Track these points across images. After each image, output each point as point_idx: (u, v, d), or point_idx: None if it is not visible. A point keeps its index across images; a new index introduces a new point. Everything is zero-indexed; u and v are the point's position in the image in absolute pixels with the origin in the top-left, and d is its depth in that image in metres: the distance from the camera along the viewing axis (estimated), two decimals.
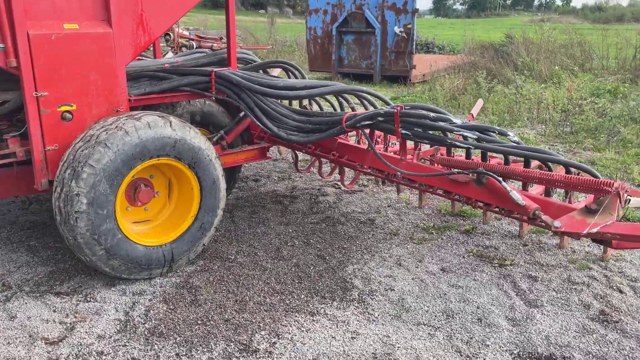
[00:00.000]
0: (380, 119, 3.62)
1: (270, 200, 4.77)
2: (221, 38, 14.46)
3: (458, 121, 3.45)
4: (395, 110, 3.51)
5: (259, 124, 3.79)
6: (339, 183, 5.20)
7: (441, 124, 3.41)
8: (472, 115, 4.72)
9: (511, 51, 12.68)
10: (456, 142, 3.39)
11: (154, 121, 3.14)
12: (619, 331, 2.84)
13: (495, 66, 11.32)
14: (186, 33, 14.01)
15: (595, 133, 7.03)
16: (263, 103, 3.79)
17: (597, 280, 3.37)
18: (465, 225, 4.21)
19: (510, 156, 3.33)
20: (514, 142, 3.38)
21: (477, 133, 3.35)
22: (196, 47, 13.65)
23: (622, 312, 3.02)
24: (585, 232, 2.72)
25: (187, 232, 3.43)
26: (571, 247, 3.81)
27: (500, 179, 3.12)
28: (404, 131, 3.53)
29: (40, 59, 3.02)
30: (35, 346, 2.68)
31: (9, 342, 2.71)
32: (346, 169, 4.45)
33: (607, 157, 6.01)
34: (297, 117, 3.91)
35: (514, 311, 3.02)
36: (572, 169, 3.14)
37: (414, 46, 12.83)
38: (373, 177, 5.39)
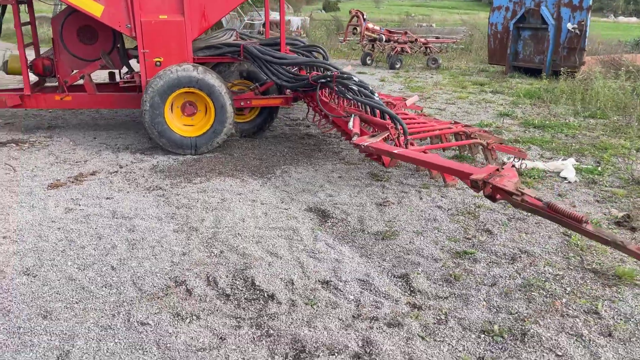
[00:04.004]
0: (328, 79, 5.68)
1: (297, 137, 7.10)
2: (406, 32, 16.67)
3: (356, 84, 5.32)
4: (333, 74, 5.55)
5: (264, 75, 6.23)
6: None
7: (347, 82, 5.34)
8: (405, 104, 6.27)
9: None
10: (347, 95, 5.30)
11: (187, 68, 5.88)
12: (380, 209, 4.50)
13: None
14: (377, 28, 16.60)
15: None
16: (269, 65, 6.19)
17: (418, 192, 4.88)
18: None
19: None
20: (376, 99, 5.12)
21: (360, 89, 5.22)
22: (385, 40, 16.17)
23: (398, 204, 4.59)
24: (362, 145, 4.47)
25: (206, 133, 6.09)
26: (435, 181, 5.21)
27: (351, 118, 4.96)
28: (336, 88, 5.55)
29: (146, 33, 6.03)
30: (111, 167, 5.70)
31: (103, 162, 5.79)
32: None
33: (617, 143, 6.52)
34: (288, 75, 6.18)
35: (337, 192, 4.87)
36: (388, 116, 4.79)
37: (586, 43, 13.01)
38: None
